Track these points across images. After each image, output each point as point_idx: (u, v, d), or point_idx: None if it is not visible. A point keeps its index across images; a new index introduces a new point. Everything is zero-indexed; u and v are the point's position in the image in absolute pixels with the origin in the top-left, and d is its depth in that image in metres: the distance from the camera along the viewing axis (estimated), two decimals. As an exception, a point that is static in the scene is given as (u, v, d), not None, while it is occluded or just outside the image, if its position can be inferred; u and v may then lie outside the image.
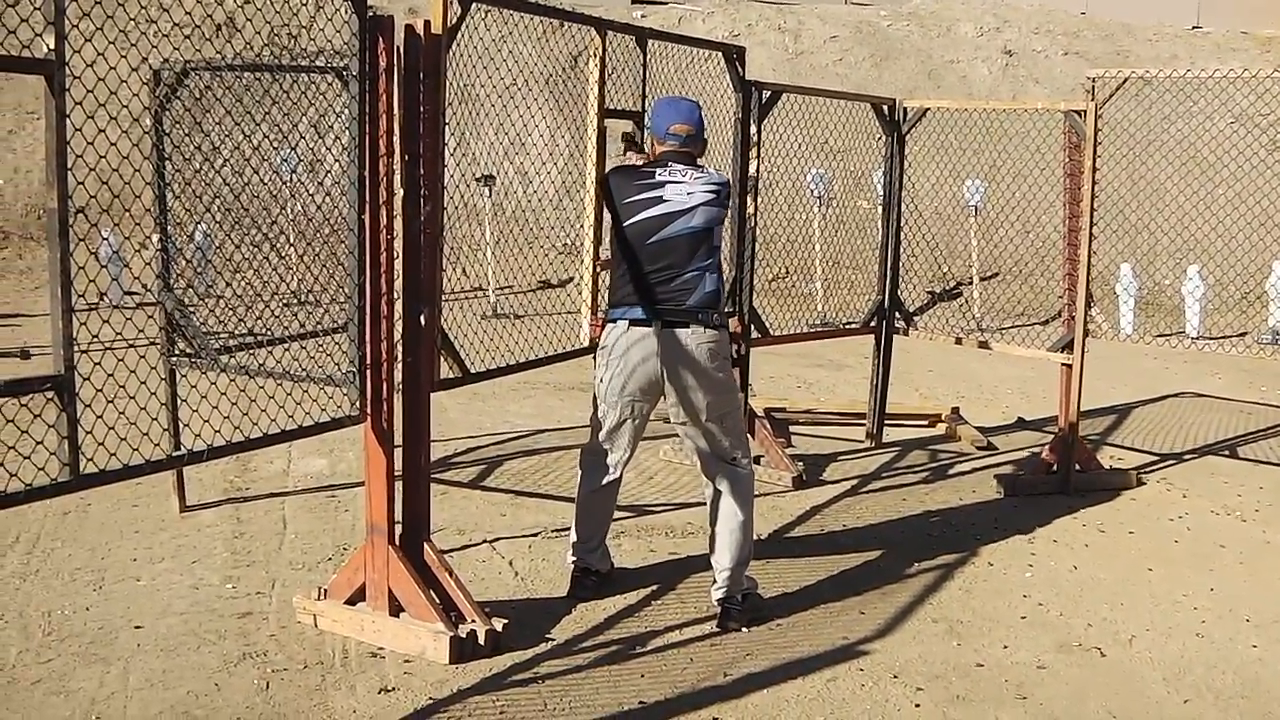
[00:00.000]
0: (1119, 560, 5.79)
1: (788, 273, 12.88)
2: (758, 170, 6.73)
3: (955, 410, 8.38)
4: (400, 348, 4.41)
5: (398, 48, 4.22)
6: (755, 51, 14.26)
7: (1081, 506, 6.59)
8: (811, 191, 12.67)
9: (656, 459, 6.97)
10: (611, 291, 4.85)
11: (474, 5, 4.49)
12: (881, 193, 7.80)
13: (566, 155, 13.95)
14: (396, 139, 4.26)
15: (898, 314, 7.69)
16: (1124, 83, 7.20)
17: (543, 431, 7.57)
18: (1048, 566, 5.65)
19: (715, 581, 4.79)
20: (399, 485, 4.48)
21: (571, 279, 12.61)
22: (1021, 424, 8.57)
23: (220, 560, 5.16)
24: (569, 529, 5.09)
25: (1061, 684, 4.42)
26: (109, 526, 5.50)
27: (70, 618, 4.51)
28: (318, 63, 4.47)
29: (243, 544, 5.37)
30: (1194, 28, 19.74)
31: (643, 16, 16.09)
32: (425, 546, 4.51)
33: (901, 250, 7.73)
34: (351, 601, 4.48)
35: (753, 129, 6.70)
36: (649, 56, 5.83)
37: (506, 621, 4.45)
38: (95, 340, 3.70)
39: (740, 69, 6.70)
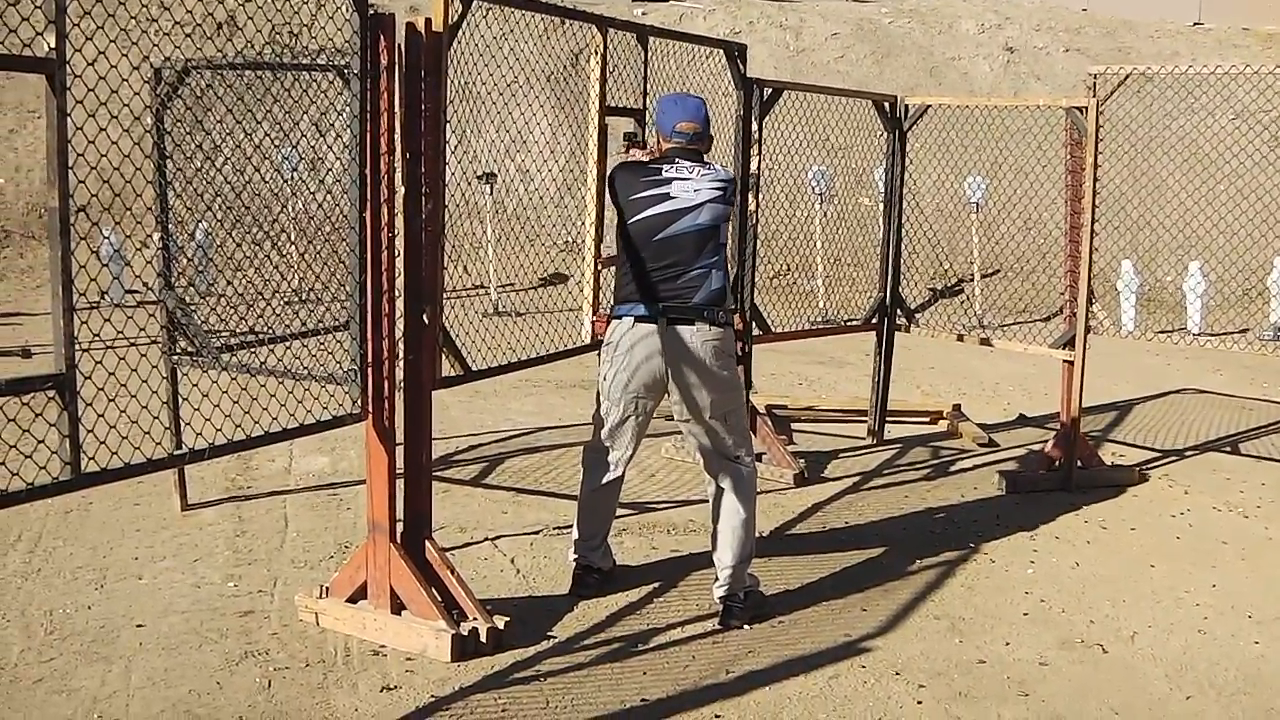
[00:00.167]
0: (1121, 557, 5.79)
1: (789, 270, 12.87)
2: (759, 167, 6.73)
3: (957, 407, 8.37)
4: (401, 345, 4.41)
5: (399, 45, 4.22)
6: (756, 49, 14.26)
7: (1083, 503, 6.58)
8: (813, 188, 12.67)
9: (658, 456, 6.97)
10: (617, 288, 4.84)
11: (475, 3, 4.49)
12: (883, 190, 7.80)
13: (568, 153, 13.95)
14: (398, 137, 4.26)
15: (899, 311, 7.68)
16: (1125, 79, 7.19)
17: (544, 429, 7.57)
18: (1049, 563, 5.65)
19: (717, 579, 4.78)
20: (400, 483, 4.48)
21: (568, 277, 12.62)
22: (1023, 421, 8.57)
23: (222, 559, 5.16)
24: (571, 527, 5.10)
25: (1063, 681, 4.42)
26: (111, 525, 5.50)
27: (72, 616, 4.51)
28: (319, 61, 4.47)
29: (244, 542, 5.37)
30: (1195, 24, 19.72)
31: (644, 14, 16.08)
32: (427, 544, 4.51)
33: (903, 247, 7.72)
34: (353, 600, 4.48)
35: (754, 126, 6.70)
36: (650, 54, 5.83)
37: (508, 619, 4.45)
38: (97, 339, 3.70)
39: (741, 66, 6.70)
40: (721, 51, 6.69)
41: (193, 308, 4.92)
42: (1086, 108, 6.77)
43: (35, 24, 3.02)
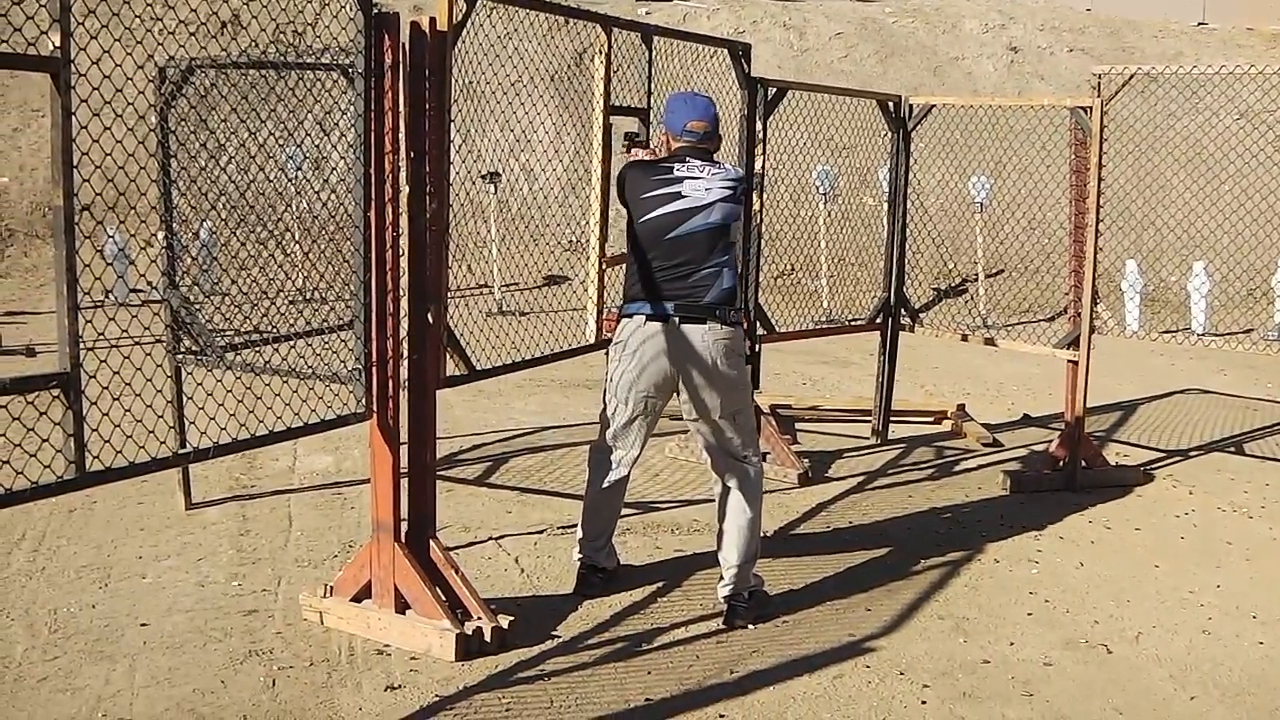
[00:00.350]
0: (1125, 557, 5.78)
1: (793, 269, 12.87)
2: (763, 167, 6.72)
3: (961, 407, 8.36)
4: (406, 345, 4.41)
5: (403, 45, 4.22)
6: (760, 48, 14.25)
7: (1088, 503, 6.58)
8: (817, 188, 12.66)
9: (662, 456, 6.97)
10: (626, 286, 4.83)
11: (479, 2, 4.49)
12: (887, 189, 7.79)
13: (572, 152, 13.95)
14: (402, 136, 4.26)
15: (903, 311, 7.68)
16: (1130, 79, 7.18)
17: (548, 429, 7.57)
18: (1054, 563, 5.64)
19: (722, 578, 4.78)
20: (405, 482, 4.48)
21: (568, 279, 12.62)
22: (1027, 421, 8.57)
23: (226, 558, 5.17)
24: (575, 526, 5.09)
25: (1068, 681, 4.41)
26: (115, 524, 5.50)
27: (76, 615, 4.52)
28: (323, 60, 4.47)
29: (248, 541, 5.37)
30: (1199, 24, 19.71)
31: (648, 14, 16.08)
32: (431, 544, 4.51)
33: (907, 247, 7.71)
34: (357, 599, 4.48)
35: (758, 126, 6.69)
36: (654, 53, 5.83)
37: (512, 619, 4.45)
38: (101, 338, 3.70)
39: (746, 66, 6.70)
40: (726, 51, 6.68)
41: (197, 307, 4.92)
42: (1091, 107, 6.76)
43: (40, 23, 3.02)
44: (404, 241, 4.33)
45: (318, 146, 4.75)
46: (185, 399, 5.14)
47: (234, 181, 4.51)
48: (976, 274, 13.49)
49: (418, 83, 4.28)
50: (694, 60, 6.37)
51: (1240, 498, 6.85)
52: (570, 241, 13.44)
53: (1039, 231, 12.05)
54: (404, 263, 4.33)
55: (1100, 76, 7.21)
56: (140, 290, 10.90)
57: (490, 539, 5.53)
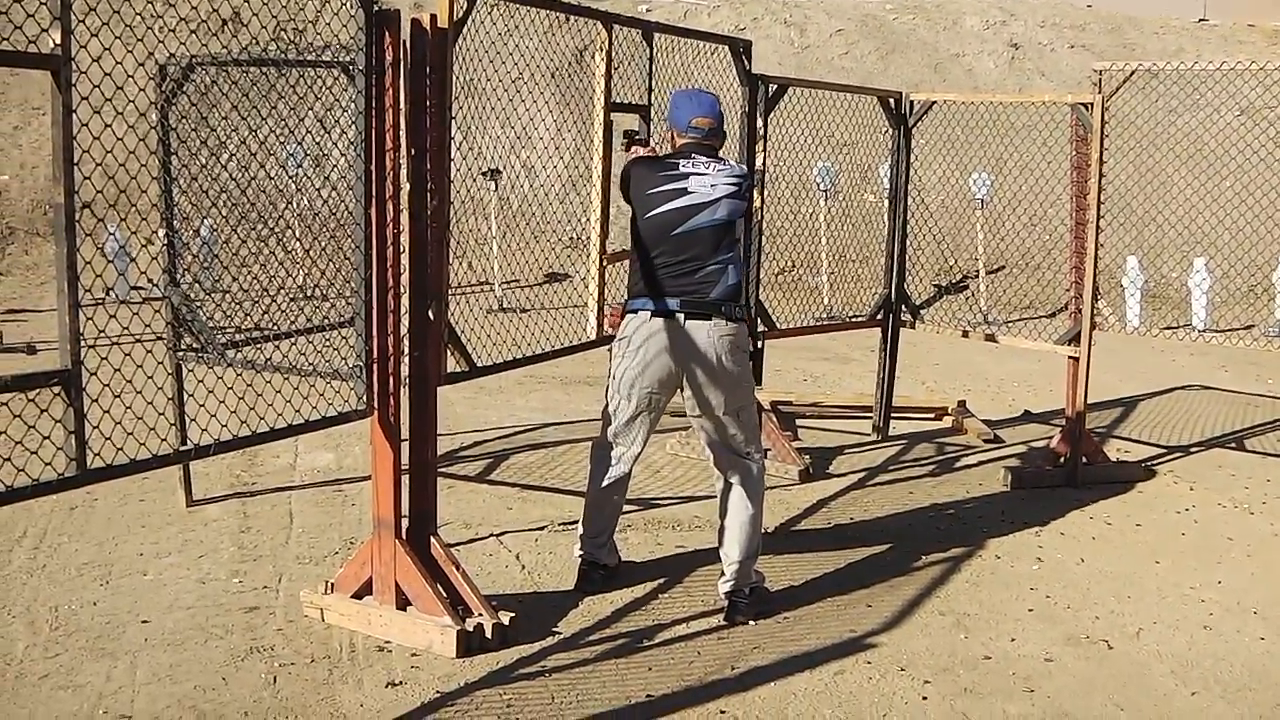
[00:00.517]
0: (1126, 553, 5.78)
1: (794, 266, 12.86)
2: (764, 164, 6.72)
3: (962, 403, 8.36)
4: (407, 342, 4.41)
5: (404, 42, 4.22)
6: (761, 45, 14.24)
7: (1089, 499, 6.58)
8: (818, 185, 12.66)
9: (663, 453, 6.97)
10: (632, 282, 4.83)
11: (479, -1, 4.49)
12: (888, 186, 7.79)
13: (572, 149, 13.95)
14: (403, 133, 4.26)
15: (904, 307, 7.68)
16: (1131, 75, 7.18)
17: (549, 425, 7.57)
18: (1055, 559, 5.64)
19: (723, 574, 4.78)
20: (405, 479, 4.48)
21: (568, 276, 12.61)
22: (1028, 417, 8.56)
23: (227, 555, 5.17)
24: (576, 522, 5.09)
25: (1069, 676, 4.41)
26: (116, 521, 5.51)
27: (77, 612, 4.52)
28: (323, 57, 4.46)
29: (249, 538, 5.38)
30: (1200, 20, 19.69)
31: (648, 11, 16.07)
32: (432, 540, 4.51)
33: (908, 243, 7.72)
34: (358, 595, 4.49)
35: (759, 122, 6.69)
36: (655, 50, 5.82)
37: (513, 615, 4.45)
38: (102, 335, 3.70)
39: (746, 63, 6.69)
40: (726, 48, 6.68)
41: (198, 304, 4.92)
42: (1092, 104, 6.76)
43: (41, 20, 3.02)
44: (405, 238, 4.33)
45: (318, 144, 4.75)
46: (186, 396, 5.14)
47: (235, 179, 4.51)
48: (977, 270, 13.49)
49: (418, 80, 4.28)
50: (695, 57, 6.37)
51: (1241, 494, 6.85)
52: (571, 238, 13.44)
53: (1040, 228, 12.04)
54: (405, 260, 4.33)
55: (1101, 73, 7.21)
56: (141, 287, 10.89)
57: (491, 536, 5.53)
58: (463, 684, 4.07)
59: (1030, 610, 5.02)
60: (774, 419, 7.12)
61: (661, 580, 5.10)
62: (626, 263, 5.00)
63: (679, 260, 4.69)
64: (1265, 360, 10.99)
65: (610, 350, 4.97)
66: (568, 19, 5.38)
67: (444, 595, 4.38)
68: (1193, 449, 7.84)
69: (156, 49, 4.19)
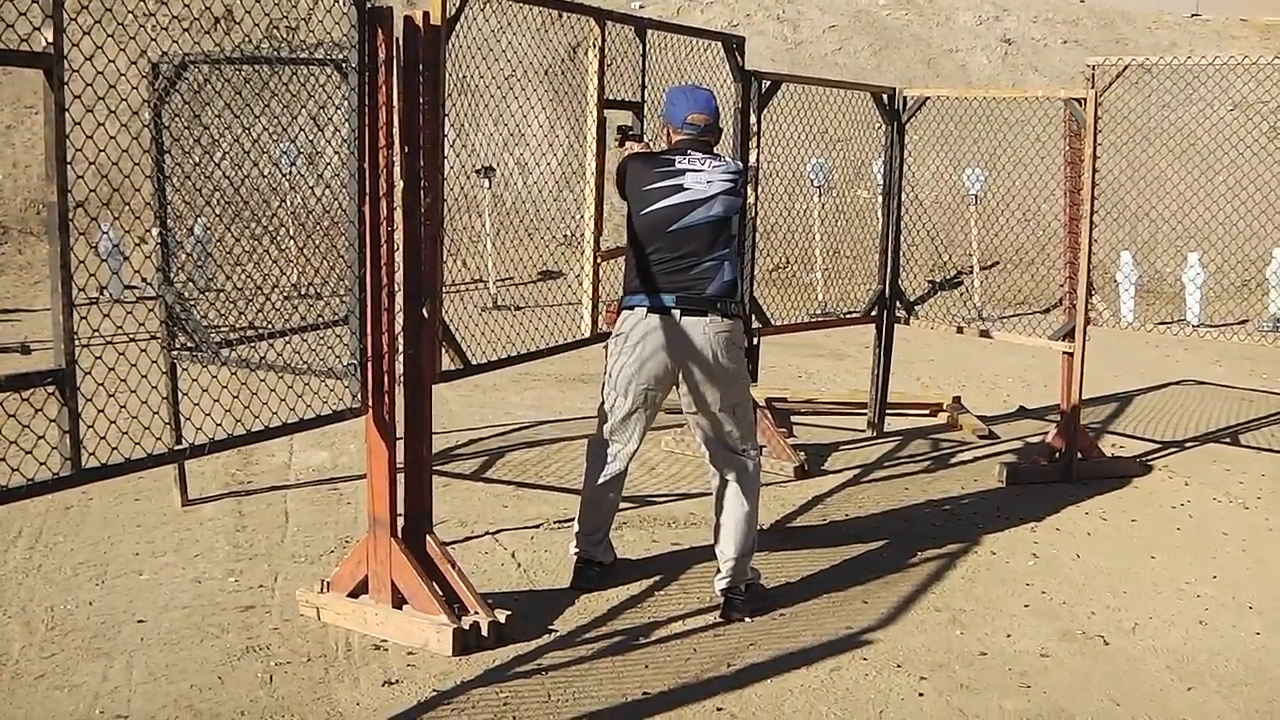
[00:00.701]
0: (1121, 548, 5.79)
1: (788, 262, 12.86)
2: (758, 160, 6.72)
3: (957, 399, 8.37)
4: (401, 340, 4.41)
5: (397, 39, 4.21)
6: (754, 41, 14.23)
7: (1084, 495, 6.58)
8: (811, 181, 12.66)
9: (658, 449, 6.97)
10: (628, 278, 4.82)
11: (473, -4, 4.48)
12: (881, 182, 7.79)
13: (565, 146, 13.94)
14: (396, 131, 4.25)
15: (898, 303, 7.68)
16: (1124, 70, 7.18)
17: (544, 423, 7.57)
18: (1050, 555, 5.65)
19: (719, 571, 4.78)
20: (401, 477, 4.47)
21: (562, 274, 12.61)
22: (1023, 412, 8.57)
23: (222, 554, 5.16)
24: (571, 520, 5.09)
25: (1065, 672, 4.42)
26: (111, 521, 5.50)
27: (73, 612, 4.51)
28: (317, 55, 4.45)
29: (245, 537, 5.37)
30: (1193, 15, 19.72)
31: (641, 7, 16.06)
32: (427, 538, 4.51)
33: (902, 239, 7.72)
34: (354, 594, 4.48)
35: (752, 119, 6.69)
36: (648, 47, 5.82)
37: (509, 613, 4.45)
38: (96, 335, 3.69)
39: (740, 59, 6.69)
40: (719, 44, 6.68)
41: (192, 303, 4.91)
42: (1085, 99, 6.76)
43: (33, 19, 3.01)
44: (399, 236, 4.32)
45: (311, 142, 4.74)
46: (180, 395, 5.13)
47: (228, 177, 4.50)
48: (971, 266, 13.49)
49: (411, 77, 4.27)
50: (688, 54, 6.37)
51: (1236, 488, 6.86)
52: (565, 236, 13.43)
53: (1034, 223, 12.05)
54: (399, 258, 4.32)
55: (1094, 68, 7.21)
56: (135, 286, 10.88)
57: (487, 534, 5.53)
58: (459, 682, 4.06)
59: (1026, 606, 5.02)
60: (769, 415, 7.12)
61: (657, 577, 5.10)
62: (621, 260, 5.00)
63: (675, 256, 4.68)
64: (1259, 355, 11.00)
65: (606, 347, 4.97)
66: (560, 16, 5.38)
67: (440, 593, 4.38)
68: (1187, 444, 7.85)
69: (149, 47, 4.18)
